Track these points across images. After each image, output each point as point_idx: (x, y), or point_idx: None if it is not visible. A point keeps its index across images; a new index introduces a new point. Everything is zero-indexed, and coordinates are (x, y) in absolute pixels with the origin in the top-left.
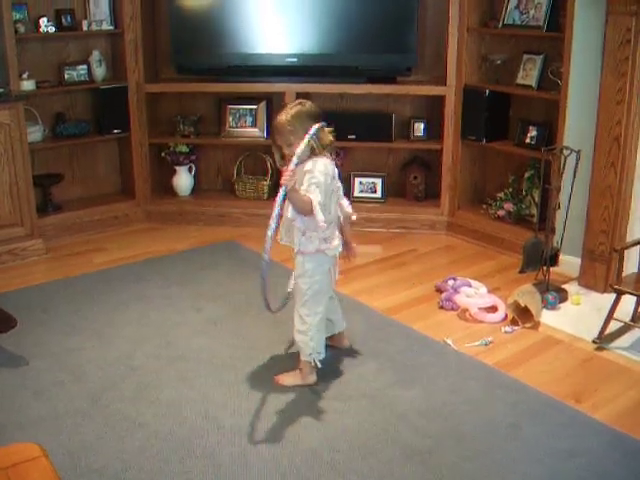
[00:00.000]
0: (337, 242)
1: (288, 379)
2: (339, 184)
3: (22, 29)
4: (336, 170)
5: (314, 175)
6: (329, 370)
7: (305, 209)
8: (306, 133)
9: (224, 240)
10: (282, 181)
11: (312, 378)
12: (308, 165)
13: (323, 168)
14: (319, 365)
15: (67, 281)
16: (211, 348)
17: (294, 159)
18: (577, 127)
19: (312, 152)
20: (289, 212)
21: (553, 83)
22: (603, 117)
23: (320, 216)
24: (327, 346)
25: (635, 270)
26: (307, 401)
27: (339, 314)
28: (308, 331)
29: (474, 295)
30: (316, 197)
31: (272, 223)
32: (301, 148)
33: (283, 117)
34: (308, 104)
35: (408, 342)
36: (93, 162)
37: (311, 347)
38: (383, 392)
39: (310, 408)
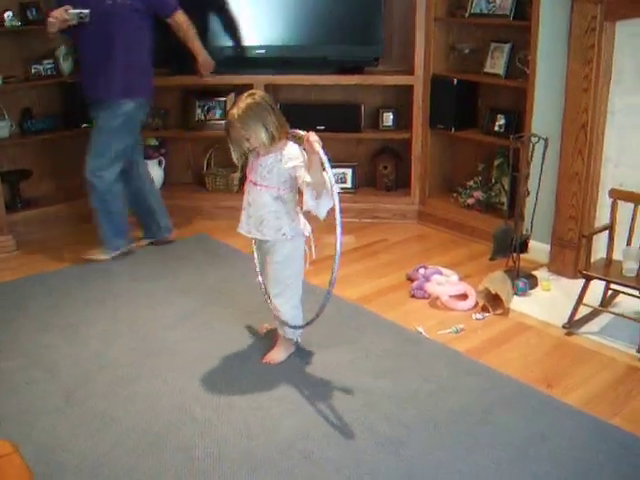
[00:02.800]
0: (307, 224)
1: (277, 355)
2: None
3: None
4: None
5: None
6: (302, 360)
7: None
8: (261, 125)
9: (195, 233)
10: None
11: (292, 346)
12: (279, 155)
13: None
14: (299, 340)
15: (39, 277)
16: (184, 342)
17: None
18: (545, 114)
19: (273, 140)
20: (309, 203)
21: (520, 71)
22: (570, 104)
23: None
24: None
25: (603, 255)
26: (280, 391)
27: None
28: (288, 311)
29: (445, 283)
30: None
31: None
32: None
33: (234, 112)
34: (258, 95)
35: (380, 331)
36: (62, 157)
37: (291, 332)
38: (356, 381)
39: (283, 398)
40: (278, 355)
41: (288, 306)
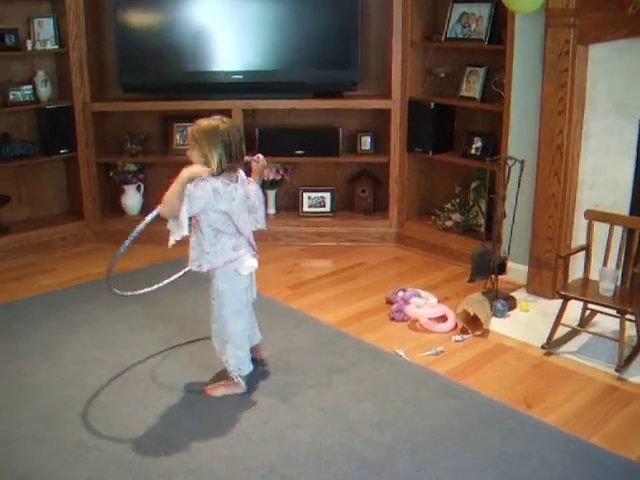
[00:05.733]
0: (250, 261)
1: (217, 390)
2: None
3: None
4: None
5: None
6: (282, 384)
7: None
8: (207, 149)
9: (174, 258)
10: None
11: (241, 387)
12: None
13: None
14: (242, 382)
15: (14, 305)
16: (164, 368)
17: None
18: (520, 137)
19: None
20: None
21: (496, 95)
22: (545, 127)
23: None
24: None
25: (581, 276)
26: (261, 416)
27: (255, 327)
28: (228, 350)
29: (424, 305)
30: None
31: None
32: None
33: (200, 124)
34: (227, 125)
35: (360, 354)
36: (40, 183)
37: (232, 365)
38: (337, 404)
39: (265, 423)
40: (214, 390)
41: (225, 345)
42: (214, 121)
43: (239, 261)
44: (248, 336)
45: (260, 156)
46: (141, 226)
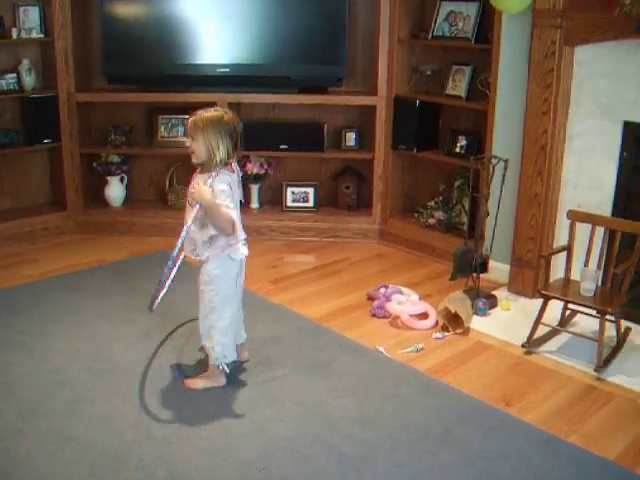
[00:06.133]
0: (242, 248)
1: (198, 382)
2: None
3: None
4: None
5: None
6: (263, 379)
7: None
8: (211, 140)
9: (157, 250)
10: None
11: (221, 380)
12: (210, 179)
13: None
14: (227, 370)
15: None
16: (144, 360)
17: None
18: (505, 136)
19: (212, 160)
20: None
21: (481, 93)
22: (530, 127)
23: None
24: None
25: (562, 276)
26: (241, 410)
27: (242, 327)
28: (214, 336)
29: (405, 302)
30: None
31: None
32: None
33: (202, 115)
34: (228, 116)
35: (341, 350)
36: (23, 172)
37: (217, 352)
38: (317, 400)
39: (244, 417)
40: (195, 382)
41: (212, 330)
42: (216, 111)
43: (233, 247)
44: (234, 328)
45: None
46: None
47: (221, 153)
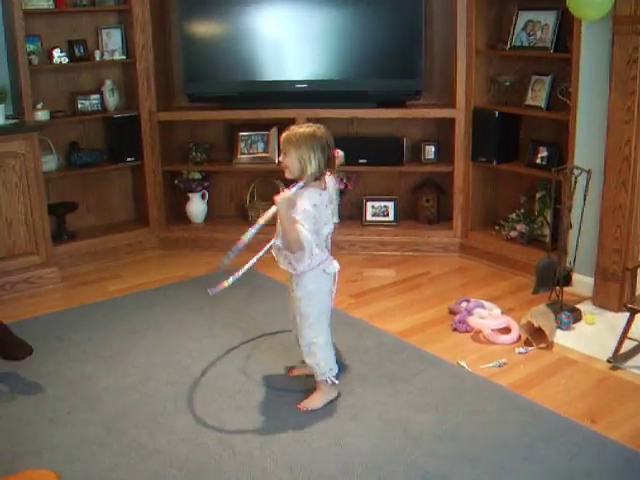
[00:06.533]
0: (335, 262)
1: (311, 402)
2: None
3: (36, 60)
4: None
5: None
6: (344, 393)
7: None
8: (303, 154)
9: (237, 266)
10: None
11: (333, 393)
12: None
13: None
14: (336, 382)
15: (82, 309)
16: (226, 375)
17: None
18: (587, 147)
19: (303, 173)
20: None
21: (562, 103)
22: (612, 136)
23: (310, 251)
24: (337, 362)
25: None
26: (322, 425)
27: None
28: (317, 353)
29: (487, 316)
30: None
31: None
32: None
33: (296, 130)
34: (321, 131)
35: (422, 365)
36: (107, 190)
37: (322, 367)
38: (398, 415)
39: (325, 432)
40: (313, 402)
41: (313, 346)
42: (309, 127)
43: (326, 262)
44: (332, 341)
45: (339, 151)
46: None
47: (313, 167)
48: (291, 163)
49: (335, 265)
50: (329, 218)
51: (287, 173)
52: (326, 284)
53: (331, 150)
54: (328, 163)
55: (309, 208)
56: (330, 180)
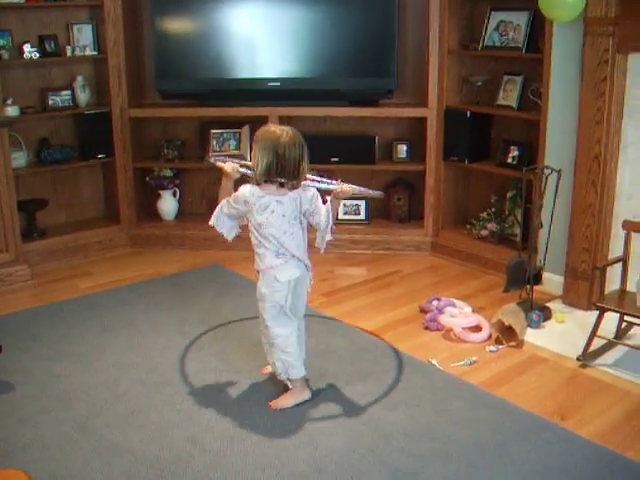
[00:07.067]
0: (291, 271)
1: (283, 401)
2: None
3: (6, 55)
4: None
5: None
6: (316, 392)
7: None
8: (261, 154)
9: (209, 264)
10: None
11: (306, 393)
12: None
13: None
14: (289, 384)
15: (53, 307)
16: (197, 372)
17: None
18: (557, 146)
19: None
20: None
21: (533, 103)
22: (583, 136)
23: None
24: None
25: (617, 287)
26: (294, 423)
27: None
28: (274, 352)
29: (458, 315)
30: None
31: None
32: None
33: (289, 131)
34: (286, 139)
35: (394, 363)
36: (78, 187)
37: (279, 367)
38: (370, 413)
39: (297, 430)
40: (283, 401)
41: (272, 346)
42: (279, 130)
43: (279, 268)
44: (294, 346)
45: (343, 186)
46: None
47: (261, 168)
48: (252, 157)
49: (289, 274)
50: (294, 231)
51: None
52: (278, 290)
53: (289, 160)
54: (282, 173)
55: (241, 193)
56: (304, 196)
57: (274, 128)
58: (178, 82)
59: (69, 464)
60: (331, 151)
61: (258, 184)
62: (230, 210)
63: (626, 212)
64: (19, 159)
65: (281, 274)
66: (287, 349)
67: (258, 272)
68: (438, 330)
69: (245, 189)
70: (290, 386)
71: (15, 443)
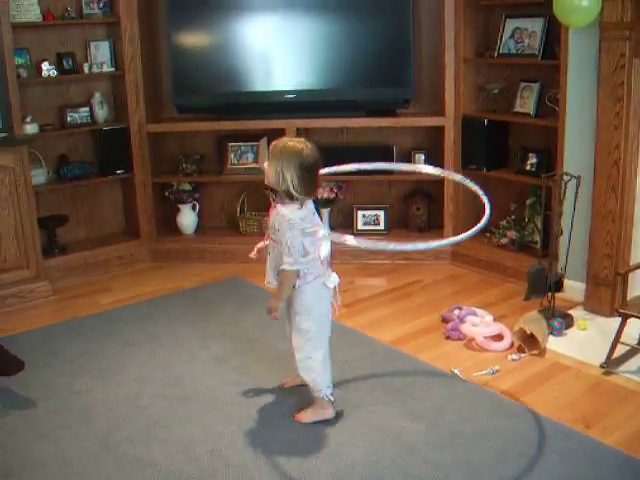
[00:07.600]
0: (334, 275)
1: (307, 416)
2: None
3: (24, 73)
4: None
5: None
6: (337, 403)
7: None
8: (287, 169)
9: (229, 277)
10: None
11: (330, 412)
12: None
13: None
14: (332, 399)
15: (74, 322)
16: (218, 386)
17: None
18: (576, 153)
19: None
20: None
21: (550, 110)
22: (601, 142)
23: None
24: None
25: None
26: (316, 436)
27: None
28: (313, 368)
29: (480, 324)
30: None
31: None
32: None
33: (308, 145)
34: (309, 151)
35: (416, 373)
36: (97, 203)
37: (319, 384)
38: (392, 424)
39: (319, 443)
40: (305, 416)
41: (309, 361)
42: (298, 143)
43: (326, 275)
44: (329, 361)
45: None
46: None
47: (287, 182)
48: (270, 172)
49: (334, 278)
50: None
51: (265, 179)
52: (326, 298)
53: (315, 173)
54: (308, 186)
55: (294, 230)
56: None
57: (294, 142)
58: (195, 96)
59: (92, 477)
60: (349, 162)
61: (283, 203)
62: (301, 254)
63: None
64: (39, 176)
65: (328, 280)
66: (326, 364)
67: (295, 288)
68: (460, 339)
69: (294, 221)
70: (317, 402)
71: (36, 459)
